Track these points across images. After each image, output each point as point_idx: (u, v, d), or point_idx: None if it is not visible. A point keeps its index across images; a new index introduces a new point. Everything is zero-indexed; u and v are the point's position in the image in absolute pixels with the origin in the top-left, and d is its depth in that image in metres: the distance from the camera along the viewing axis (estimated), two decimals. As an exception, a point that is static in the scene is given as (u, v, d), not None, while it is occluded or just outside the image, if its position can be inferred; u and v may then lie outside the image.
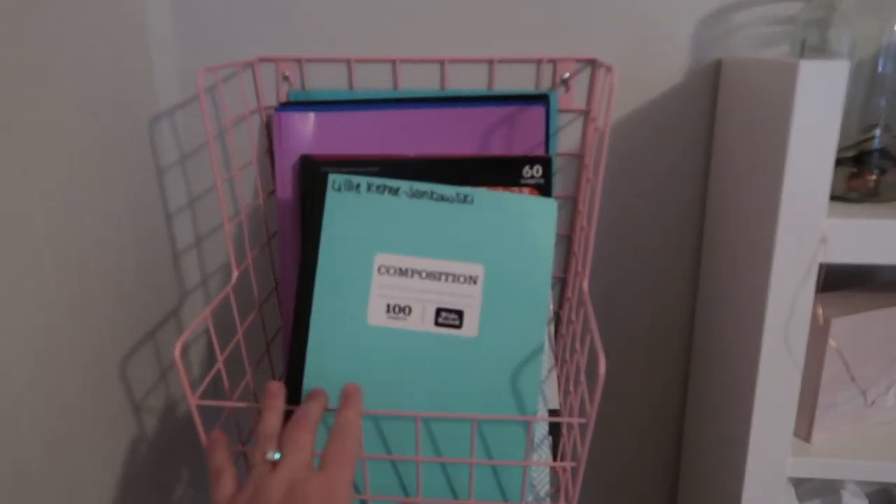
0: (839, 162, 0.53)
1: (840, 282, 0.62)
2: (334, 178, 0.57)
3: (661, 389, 0.78)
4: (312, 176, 0.64)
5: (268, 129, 0.70)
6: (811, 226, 0.50)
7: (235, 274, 0.61)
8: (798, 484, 0.71)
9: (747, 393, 0.56)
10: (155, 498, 0.71)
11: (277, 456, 0.46)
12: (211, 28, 0.68)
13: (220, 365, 0.56)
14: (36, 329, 0.53)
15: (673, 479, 0.83)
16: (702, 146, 0.69)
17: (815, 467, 0.58)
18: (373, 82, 0.69)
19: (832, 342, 0.57)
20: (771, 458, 0.57)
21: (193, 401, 0.52)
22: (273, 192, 0.69)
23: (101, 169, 0.61)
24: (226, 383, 0.57)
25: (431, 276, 0.56)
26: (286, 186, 0.67)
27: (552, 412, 0.63)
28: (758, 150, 0.55)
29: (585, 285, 0.57)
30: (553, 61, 0.66)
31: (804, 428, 0.60)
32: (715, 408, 0.66)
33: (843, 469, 0.58)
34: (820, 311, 0.56)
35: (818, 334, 0.57)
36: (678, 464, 0.82)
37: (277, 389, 0.52)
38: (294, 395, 0.56)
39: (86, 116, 0.58)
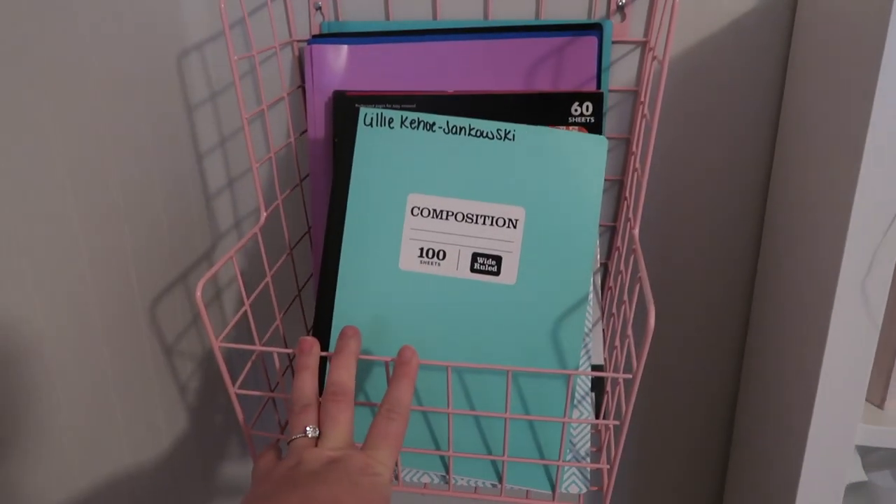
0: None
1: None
2: (365, 113, 0.53)
3: (715, 347, 0.73)
4: (344, 111, 0.60)
5: (300, 63, 0.66)
6: (900, 166, 0.44)
7: (264, 215, 0.58)
8: (865, 453, 0.65)
9: (815, 351, 0.51)
10: (189, 442, 0.71)
11: (316, 432, 0.45)
12: (241, -45, 0.64)
13: (246, 307, 0.54)
14: (64, 271, 0.51)
15: (726, 444, 0.78)
16: (774, 84, 0.62)
17: (887, 436, 0.52)
18: (411, 12, 0.64)
19: (915, 300, 0.51)
20: (838, 424, 0.51)
21: (217, 343, 0.50)
22: (305, 131, 0.65)
23: (128, 107, 0.58)
24: (252, 326, 0.55)
25: (468, 218, 0.52)
26: (319, 125, 0.64)
27: (596, 367, 0.59)
28: (840, 88, 0.49)
29: (636, 232, 0.52)
30: (608, -14, 0.60)
31: (878, 393, 0.54)
32: (779, 367, 0.61)
33: (918, 440, 0.53)
34: (903, 264, 0.50)
35: (899, 291, 0.51)
36: (731, 428, 0.77)
37: (310, 346, 0.48)
38: (322, 342, 0.53)
39: (110, 52, 0.55)
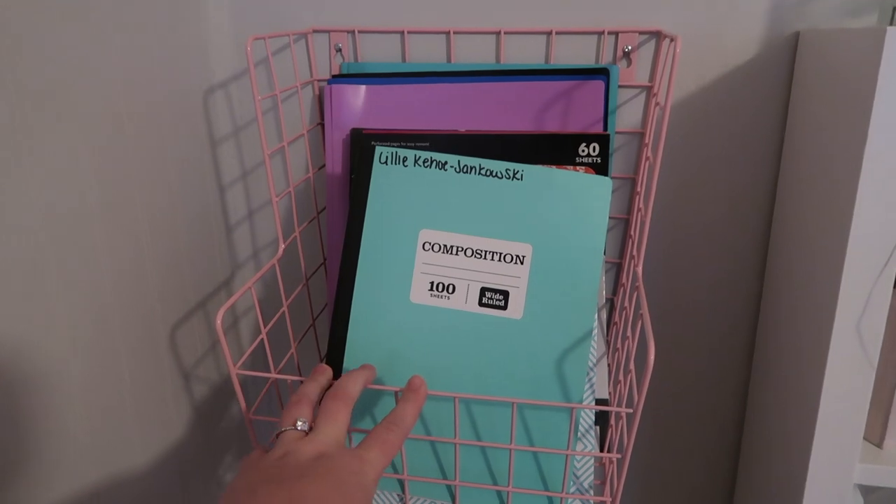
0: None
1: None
2: (381, 151, 0.56)
3: (720, 383, 0.74)
4: (361, 149, 0.62)
5: (320, 101, 0.69)
6: (893, 211, 0.46)
7: (282, 247, 0.60)
8: (867, 492, 0.66)
9: (814, 390, 0.52)
10: (201, 464, 0.72)
11: (307, 426, 0.44)
12: (266, 1, 0.67)
13: (263, 336, 0.56)
14: (88, 297, 0.54)
15: (730, 478, 0.79)
16: (775, 126, 0.64)
17: (886, 475, 0.53)
18: (427, 54, 0.67)
19: (912, 340, 0.52)
20: (837, 463, 0.52)
21: (234, 370, 0.52)
22: (324, 167, 0.68)
23: (155, 140, 0.61)
24: (269, 354, 0.57)
25: (477, 254, 0.54)
26: (336, 160, 0.66)
27: (600, 401, 0.60)
28: (837, 130, 0.51)
29: (640, 269, 0.54)
30: (615, 33, 0.63)
31: (876, 432, 0.55)
32: (778, 405, 0.62)
33: (918, 479, 0.53)
34: (899, 305, 0.51)
35: (895, 331, 0.53)
36: (736, 463, 0.78)
37: (323, 371, 0.50)
38: (335, 370, 0.55)
39: (140, 87, 0.59)
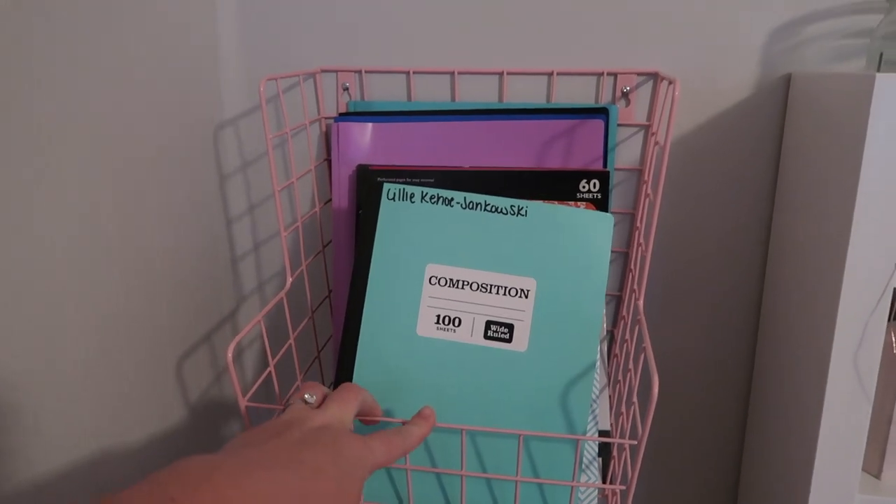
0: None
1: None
2: (389, 188, 0.57)
3: (720, 415, 0.75)
4: (368, 185, 0.64)
5: (327, 138, 0.71)
6: (886, 248, 0.48)
7: (290, 280, 0.61)
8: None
9: (812, 424, 0.53)
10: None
11: (314, 402, 0.44)
12: (276, 40, 0.70)
13: (271, 368, 0.57)
14: (97, 327, 0.55)
15: (730, 510, 0.79)
16: (769, 164, 0.66)
17: (885, 506, 0.54)
18: (431, 94, 0.69)
19: (907, 373, 0.54)
20: (837, 494, 0.53)
21: (243, 402, 0.53)
22: (330, 201, 0.70)
23: (168, 174, 0.63)
24: (276, 387, 0.57)
25: (482, 288, 0.55)
26: (343, 196, 0.68)
27: (604, 433, 0.61)
28: (829, 169, 0.53)
29: (641, 303, 0.55)
30: (614, 74, 0.65)
31: (875, 463, 0.56)
32: (778, 438, 0.63)
33: (916, 510, 0.54)
34: (893, 339, 0.53)
35: (891, 364, 0.54)
36: (735, 495, 0.78)
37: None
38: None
39: (156, 124, 0.60)
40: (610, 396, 0.65)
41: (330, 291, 0.72)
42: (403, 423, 0.49)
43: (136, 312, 0.59)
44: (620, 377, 0.63)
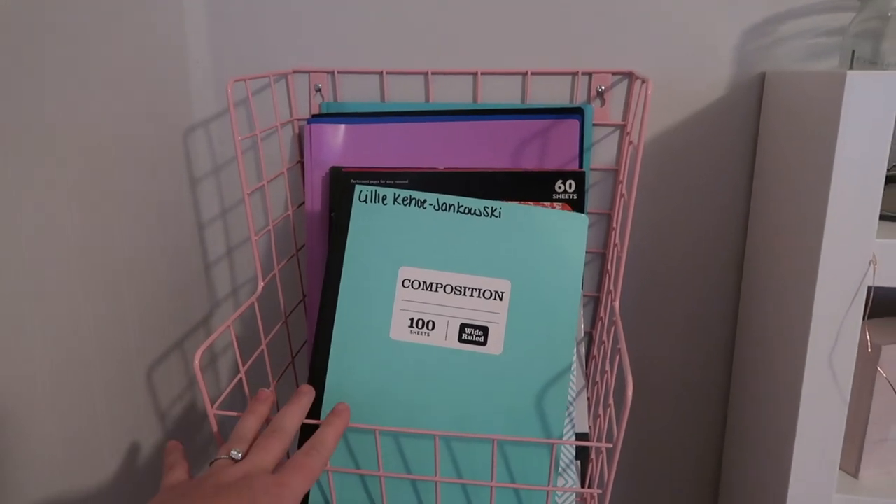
0: (890, 179, 0.49)
1: (890, 307, 0.58)
2: (361, 190, 0.56)
3: (698, 416, 0.75)
4: (341, 187, 0.63)
5: (300, 140, 0.70)
6: (859, 246, 0.47)
7: (261, 285, 0.60)
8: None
9: (789, 423, 0.53)
10: None
11: (240, 456, 0.45)
12: (247, 41, 0.68)
13: (241, 375, 0.55)
14: (65, 335, 0.53)
15: (711, 511, 0.79)
16: (744, 163, 0.66)
17: (862, 506, 0.54)
18: (405, 94, 0.68)
19: (881, 371, 0.53)
20: (814, 494, 0.53)
21: (212, 411, 0.51)
22: (303, 204, 0.68)
23: (136, 178, 0.62)
24: (247, 394, 0.56)
25: (456, 290, 0.55)
26: (316, 198, 0.67)
27: (581, 435, 0.60)
28: (803, 167, 0.52)
29: (617, 304, 0.55)
30: (588, 74, 0.65)
31: (852, 463, 0.56)
32: (755, 438, 0.63)
33: (893, 509, 0.54)
34: (868, 337, 0.53)
35: (866, 362, 0.54)
36: (715, 496, 0.78)
37: (266, 397, 0.52)
38: (314, 407, 0.55)
39: (121, 126, 0.59)
40: (588, 398, 0.64)
41: (304, 296, 0.70)
42: (376, 433, 0.49)
43: (104, 322, 0.58)
44: (598, 378, 0.62)
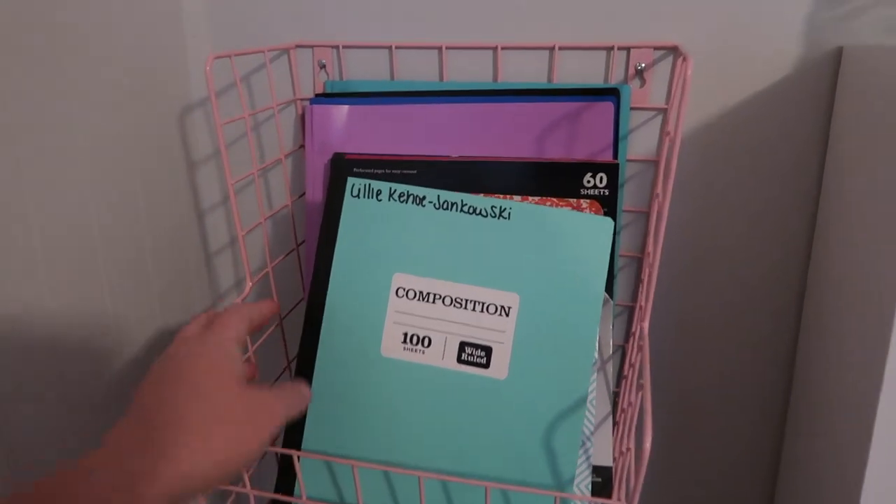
0: None
1: None
2: (353, 183, 0.49)
3: (748, 454, 0.65)
4: (337, 178, 0.56)
5: (303, 122, 0.63)
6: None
7: (249, 285, 0.54)
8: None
9: (858, 459, 0.44)
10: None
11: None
12: (247, 14, 0.62)
13: (218, 388, 0.50)
14: (59, 327, 0.49)
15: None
16: (814, 155, 0.56)
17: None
18: (417, 72, 0.60)
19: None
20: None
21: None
22: (304, 195, 0.62)
23: (131, 161, 0.56)
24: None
25: (457, 303, 0.47)
26: (317, 188, 0.60)
27: (602, 470, 0.52)
28: (886, 159, 0.42)
29: (646, 325, 0.46)
30: (626, 49, 0.55)
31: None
32: (813, 485, 0.53)
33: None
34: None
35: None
36: (767, 531, 0.69)
37: (269, 308, 0.48)
38: (297, 427, 0.49)
39: (116, 106, 0.54)
40: (616, 422, 0.56)
41: (305, 296, 0.64)
42: (353, 469, 0.43)
43: (99, 315, 0.53)
44: (632, 400, 0.54)
